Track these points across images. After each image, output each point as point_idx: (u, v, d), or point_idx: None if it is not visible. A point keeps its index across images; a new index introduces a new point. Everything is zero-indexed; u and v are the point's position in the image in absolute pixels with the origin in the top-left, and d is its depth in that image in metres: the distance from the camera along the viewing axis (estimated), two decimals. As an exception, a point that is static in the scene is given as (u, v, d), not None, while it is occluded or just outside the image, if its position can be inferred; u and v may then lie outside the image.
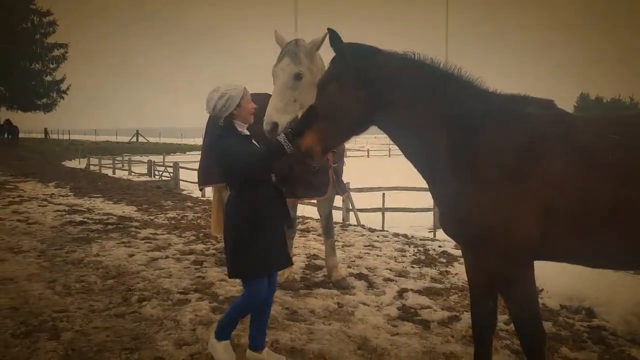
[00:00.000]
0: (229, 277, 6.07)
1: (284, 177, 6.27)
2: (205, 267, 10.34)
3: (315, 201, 9.63)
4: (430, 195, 5.43)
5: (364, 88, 4.93)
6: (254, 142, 5.97)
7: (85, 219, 15.83)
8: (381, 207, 22.33)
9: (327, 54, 6.07)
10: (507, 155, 4.56)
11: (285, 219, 6.16)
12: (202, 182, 10.72)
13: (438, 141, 4.85)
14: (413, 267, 10.56)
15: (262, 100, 8.75)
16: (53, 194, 22.72)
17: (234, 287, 8.76)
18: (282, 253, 6.06)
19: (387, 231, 14.84)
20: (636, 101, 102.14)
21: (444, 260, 11.12)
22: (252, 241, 5.70)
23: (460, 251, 10.96)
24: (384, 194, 22.73)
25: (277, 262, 6.05)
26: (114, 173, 43.41)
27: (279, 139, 5.28)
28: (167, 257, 11.20)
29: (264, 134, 7.21)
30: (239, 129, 5.83)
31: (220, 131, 5.78)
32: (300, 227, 14.08)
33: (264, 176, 5.88)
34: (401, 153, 5.22)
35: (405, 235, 13.79)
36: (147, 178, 39.70)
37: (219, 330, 6.05)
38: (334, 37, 5.01)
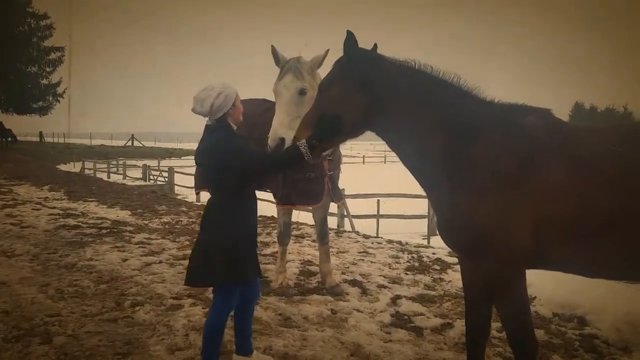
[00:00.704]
0: (212, 286, 6.01)
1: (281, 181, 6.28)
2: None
3: (310, 207, 9.64)
4: (425, 203, 5.48)
5: (366, 92, 5.00)
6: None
7: (79, 223, 15.73)
8: (376, 213, 22.33)
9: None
10: (504, 163, 4.61)
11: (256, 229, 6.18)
12: (199, 187, 10.71)
13: (436, 148, 4.90)
14: (407, 274, 10.57)
15: (259, 105, 8.75)
16: (47, 197, 22.64)
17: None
18: (257, 262, 6.06)
19: (381, 238, 14.85)
20: (630, 111, 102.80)
21: (438, 268, 11.12)
22: (242, 250, 5.71)
23: (453, 259, 11.09)
24: (378, 200, 22.67)
25: (254, 272, 6.02)
26: (108, 177, 43.44)
27: (300, 147, 5.25)
28: (160, 262, 11.18)
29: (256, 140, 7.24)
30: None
31: (223, 133, 5.72)
32: (294, 233, 14.13)
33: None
34: (397, 160, 5.25)
35: (399, 242, 13.80)
36: (141, 182, 39.52)
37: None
38: (350, 39, 5.03)
